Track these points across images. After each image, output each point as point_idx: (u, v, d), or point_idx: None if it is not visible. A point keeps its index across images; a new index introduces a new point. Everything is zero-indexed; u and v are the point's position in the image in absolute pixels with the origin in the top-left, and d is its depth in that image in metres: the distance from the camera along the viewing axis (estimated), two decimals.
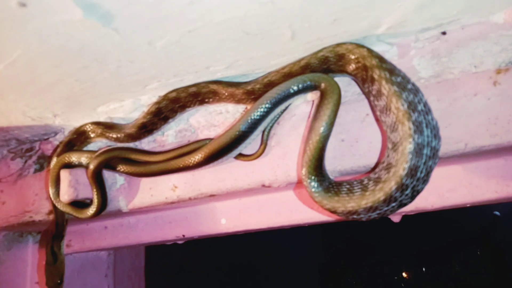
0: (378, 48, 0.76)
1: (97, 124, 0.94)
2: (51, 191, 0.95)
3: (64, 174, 0.93)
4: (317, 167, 0.72)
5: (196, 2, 0.57)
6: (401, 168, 0.62)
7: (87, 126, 0.95)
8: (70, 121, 1.00)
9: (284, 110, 0.81)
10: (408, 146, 0.61)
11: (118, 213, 1.00)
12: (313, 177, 0.71)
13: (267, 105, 0.77)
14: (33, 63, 0.69)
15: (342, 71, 0.75)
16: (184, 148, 0.86)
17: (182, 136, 0.92)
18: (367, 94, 0.72)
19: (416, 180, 0.62)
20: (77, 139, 0.97)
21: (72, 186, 0.93)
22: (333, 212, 0.70)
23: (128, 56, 0.71)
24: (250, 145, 0.81)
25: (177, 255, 2.44)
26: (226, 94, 0.83)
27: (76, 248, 1.21)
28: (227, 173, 0.86)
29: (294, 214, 0.93)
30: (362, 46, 0.72)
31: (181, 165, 0.84)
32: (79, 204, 0.96)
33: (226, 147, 0.79)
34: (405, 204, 0.65)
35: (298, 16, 0.65)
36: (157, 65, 0.76)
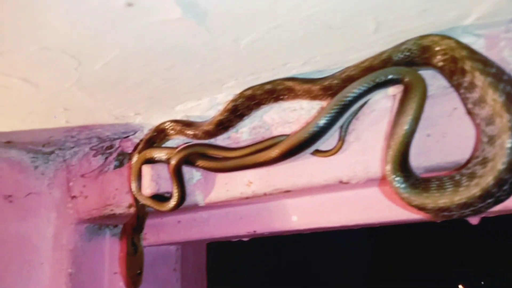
0: (463, 40, 0.73)
1: (176, 122, 0.99)
2: (133, 185, 1.01)
3: (146, 169, 0.99)
4: (403, 163, 0.70)
5: None
6: (500, 163, 0.58)
7: (167, 124, 0.99)
8: (149, 120, 1.06)
9: (363, 105, 0.80)
10: (508, 140, 0.58)
11: (193, 208, 1.04)
12: (398, 173, 0.69)
13: (347, 100, 0.76)
14: (126, 63, 0.75)
15: (427, 64, 0.73)
16: (260, 144, 0.88)
17: (256, 133, 0.93)
18: (456, 87, 0.69)
19: None
20: (157, 137, 1.02)
21: (154, 180, 0.98)
22: (422, 209, 0.68)
23: (213, 55, 0.74)
24: (327, 141, 0.81)
25: (234, 254, 2.49)
26: (302, 90, 0.84)
27: (150, 241, 1.28)
28: (303, 168, 0.86)
29: (371, 212, 0.91)
30: (449, 37, 0.70)
31: (258, 161, 0.86)
32: (159, 197, 1.01)
33: (304, 143, 0.80)
34: (502, 201, 0.61)
35: (385, 7, 0.64)
36: (237, 63, 0.78)
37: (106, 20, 0.60)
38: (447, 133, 0.73)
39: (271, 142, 0.87)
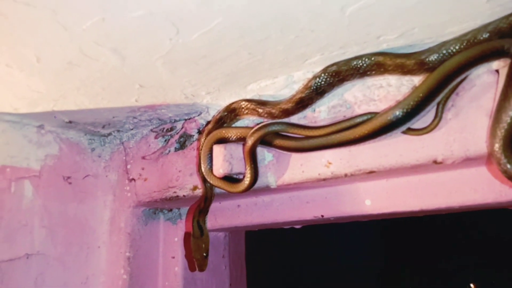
0: None
1: (250, 101, 0.96)
2: (203, 166, 0.99)
3: (219, 149, 0.96)
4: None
5: None
6: None
7: (240, 103, 0.97)
8: (217, 100, 1.04)
9: (464, 79, 0.76)
10: None
11: (264, 190, 1.02)
12: (508, 151, 0.66)
13: (448, 74, 0.73)
14: (223, 33, 0.72)
15: None
16: (345, 122, 0.85)
17: (336, 112, 0.90)
18: None
19: None
20: (227, 116, 1.00)
21: (227, 160, 0.95)
22: None
23: (312, 24, 0.71)
24: (422, 118, 0.78)
25: (270, 242, 2.48)
26: (394, 65, 0.80)
27: (209, 225, 1.25)
28: (391, 148, 0.83)
29: (456, 195, 0.88)
30: None
31: (344, 139, 0.83)
32: (228, 179, 0.98)
33: (398, 120, 0.76)
34: None
35: None
36: (333, 34, 0.75)
37: None
38: None
39: (357, 120, 0.83)
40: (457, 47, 0.74)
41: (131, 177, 1.25)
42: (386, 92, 0.85)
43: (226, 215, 1.23)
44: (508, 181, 0.68)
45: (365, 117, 0.83)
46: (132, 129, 1.25)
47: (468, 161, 0.77)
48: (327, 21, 0.70)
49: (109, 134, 1.28)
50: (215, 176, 0.98)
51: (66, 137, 1.22)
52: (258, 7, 0.64)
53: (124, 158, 1.27)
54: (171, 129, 1.19)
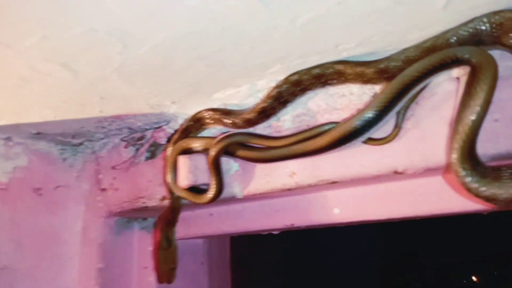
0: None
1: (215, 110, 0.95)
2: (169, 176, 0.98)
3: (183, 160, 0.95)
4: (471, 151, 0.65)
5: None
6: None
7: (205, 113, 0.95)
8: (185, 109, 1.02)
9: (424, 88, 0.75)
10: None
11: (230, 200, 1.00)
12: (466, 162, 0.64)
13: (407, 83, 0.71)
14: (173, 46, 0.70)
15: (496, 42, 0.68)
16: (307, 132, 0.83)
17: (300, 121, 0.89)
18: None
19: None
20: (193, 126, 0.98)
21: (191, 171, 0.94)
22: (492, 200, 0.63)
23: (266, 36, 0.69)
24: (381, 128, 0.76)
25: (257, 248, 2.46)
26: (354, 74, 0.79)
27: (181, 234, 1.24)
28: (353, 158, 0.81)
29: (423, 204, 0.86)
30: None
31: (305, 150, 0.81)
32: (195, 189, 0.97)
33: (358, 130, 0.75)
34: None
35: None
36: (289, 45, 0.74)
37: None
38: None
39: (319, 130, 0.82)
40: (416, 55, 0.73)
41: (102, 187, 1.23)
42: (348, 101, 0.84)
43: (199, 223, 1.21)
44: (466, 192, 0.66)
45: (326, 127, 0.81)
46: (103, 138, 1.23)
47: (429, 171, 0.76)
48: (279, 33, 0.68)
49: (81, 143, 1.26)
50: (180, 187, 0.96)
51: (36, 148, 1.20)
52: (203, 23, 0.63)
53: (96, 167, 1.26)
54: (142, 138, 1.17)
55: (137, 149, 1.17)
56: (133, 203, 1.14)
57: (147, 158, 1.15)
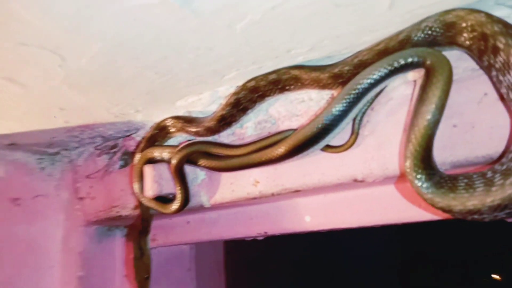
0: (496, 14, 0.62)
1: (177, 118, 0.92)
2: (136, 186, 0.96)
3: (148, 170, 0.93)
4: (425, 159, 0.61)
5: None
6: None
7: (168, 121, 0.93)
8: (151, 117, 1.00)
9: (379, 93, 0.71)
10: None
11: (198, 209, 0.98)
12: (420, 171, 0.60)
13: (359, 88, 0.67)
14: (113, 56, 0.68)
15: (452, 43, 0.63)
16: (265, 140, 0.80)
17: (262, 128, 0.86)
18: (487, 69, 0.59)
19: None
20: (158, 134, 0.96)
21: (156, 181, 0.92)
22: (448, 211, 0.59)
23: (206, 43, 0.66)
24: (339, 135, 0.73)
25: (255, 250, 2.43)
26: (310, 79, 0.75)
27: (160, 242, 1.23)
28: (313, 167, 0.78)
29: (391, 212, 0.82)
30: (478, 11, 0.59)
31: (263, 159, 0.78)
32: (163, 199, 0.95)
33: (312, 138, 0.72)
34: None
35: None
36: (236, 51, 0.71)
37: (80, 7, 0.54)
38: (476, 122, 0.63)
39: (278, 137, 0.79)
40: (369, 58, 0.69)
41: (80, 196, 1.22)
42: (307, 106, 0.80)
43: (176, 231, 1.20)
44: (422, 200, 0.62)
45: (283, 135, 0.78)
46: (78, 147, 1.23)
47: (389, 179, 0.72)
48: (221, 39, 0.65)
49: (57, 153, 1.26)
50: (147, 197, 0.94)
51: (12, 158, 1.21)
52: (133, 31, 0.60)
53: (74, 176, 1.25)
54: (115, 146, 1.16)
55: (110, 158, 1.16)
56: (107, 212, 1.14)
57: (121, 166, 1.14)
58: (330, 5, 0.58)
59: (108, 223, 1.23)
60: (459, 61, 0.66)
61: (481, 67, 0.62)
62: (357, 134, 0.72)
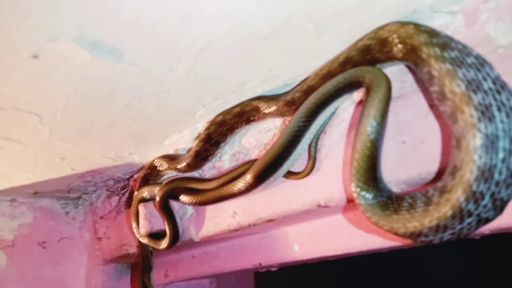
0: (437, 22, 0.61)
1: (163, 157, 0.98)
2: (133, 225, 1.02)
3: (141, 208, 0.99)
4: (370, 180, 0.59)
5: (189, 18, 0.54)
6: (467, 171, 0.45)
7: (156, 161, 0.99)
8: (146, 157, 1.07)
9: (331, 116, 0.70)
10: (473, 141, 0.45)
11: (190, 244, 1.00)
12: (364, 193, 0.58)
13: (305, 116, 0.68)
14: (82, 108, 0.76)
15: (390, 58, 0.62)
16: (233, 172, 0.82)
17: (237, 160, 0.88)
18: (423, 81, 0.57)
19: (494, 185, 0.45)
20: (151, 173, 1.02)
21: (147, 219, 0.97)
22: (395, 234, 0.56)
23: (159, 87, 0.72)
24: (299, 161, 0.73)
25: (288, 277, 2.37)
26: (268, 109, 0.77)
27: (172, 277, 1.27)
28: (281, 194, 0.78)
29: (365, 238, 0.79)
30: (408, 23, 0.58)
31: (232, 191, 0.80)
32: (157, 235, 0.99)
33: (269, 167, 0.72)
34: (489, 219, 0.48)
35: (312, 5, 0.56)
36: (192, 90, 0.75)
37: (25, 73, 0.62)
38: (425, 137, 0.60)
39: (243, 168, 0.80)
40: (315, 83, 0.69)
41: (98, 236, 1.31)
42: (273, 135, 0.81)
43: (184, 266, 1.23)
44: (375, 227, 0.59)
45: (247, 166, 0.79)
46: (95, 191, 1.33)
47: (352, 203, 0.70)
48: (171, 81, 0.70)
49: (79, 197, 1.37)
50: (142, 234, 0.99)
51: (39, 205, 1.34)
52: (88, 86, 0.67)
53: (94, 218, 1.35)
54: (125, 186, 1.25)
55: (120, 198, 1.24)
56: (119, 250, 1.20)
57: (128, 206, 1.22)
58: (256, 41, 0.61)
59: (121, 261, 1.29)
60: (406, 75, 0.64)
61: (421, 79, 0.60)
62: (315, 158, 0.72)
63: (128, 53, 0.60)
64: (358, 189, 0.59)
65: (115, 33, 0.55)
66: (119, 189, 1.26)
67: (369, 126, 0.59)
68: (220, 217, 0.90)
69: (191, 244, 1.03)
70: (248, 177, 0.75)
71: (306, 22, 0.59)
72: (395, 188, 0.62)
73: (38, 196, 1.31)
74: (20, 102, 0.69)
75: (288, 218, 0.81)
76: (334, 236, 0.86)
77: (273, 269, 1.22)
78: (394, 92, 0.64)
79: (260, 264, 1.01)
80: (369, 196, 0.58)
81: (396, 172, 0.62)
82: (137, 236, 1.01)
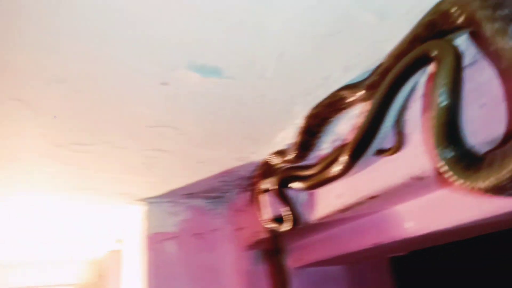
0: None
1: (274, 153, 1.13)
2: (259, 213, 1.20)
3: (263, 199, 1.16)
4: (449, 144, 0.61)
5: (263, 33, 0.68)
6: None
7: (268, 157, 1.15)
8: (264, 155, 1.24)
9: (411, 91, 0.74)
10: None
11: (309, 227, 1.12)
12: (445, 153, 0.61)
13: (383, 95, 0.74)
14: (203, 119, 0.97)
15: (454, 28, 0.63)
16: (331, 156, 0.91)
17: (336, 146, 0.97)
18: (485, 44, 0.58)
19: None
20: (267, 168, 1.19)
21: (269, 206, 1.14)
22: (478, 191, 0.58)
23: (256, 92, 0.87)
24: (388, 138, 0.78)
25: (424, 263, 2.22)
26: (353, 96, 0.84)
27: (301, 262, 1.40)
28: (377, 172, 0.83)
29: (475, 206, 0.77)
30: None
31: (333, 173, 0.89)
32: (281, 220, 1.14)
33: (360, 145, 0.80)
34: None
35: None
36: (283, 91, 0.88)
37: (159, 96, 0.84)
38: (505, 97, 0.59)
39: (339, 151, 0.89)
40: (390, 64, 0.74)
41: (238, 227, 1.55)
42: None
43: (309, 250, 1.35)
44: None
45: (340, 150, 0.88)
46: (231, 189, 1.58)
47: None
48: (264, 87, 0.85)
49: (220, 196, 1.65)
50: (267, 219, 1.16)
51: (193, 204, 1.66)
52: (207, 101, 0.87)
53: (234, 212, 1.60)
54: (251, 183, 1.45)
55: (249, 193, 1.45)
56: (254, 238, 1.41)
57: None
58: (323, 39, 0.71)
59: (258, 247, 1.49)
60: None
61: (483, 43, 0.60)
62: (401, 134, 0.76)
63: (226, 70, 0.77)
64: (439, 152, 0.62)
65: (214, 56, 0.73)
66: (248, 185, 1.47)
67: (440, 93, 0.62)
68: (327, 200, 1.00)
69: (310, 228, 1.15)
70: (344, 158, 0.84)
71: (364, 12, 0.66)
72: (480, 150, 0.62)
73: (191, 197, 1.62)
74: (160, 119, 0.94)
75: (391, 194, 0.86)
76: (446, 208, 0.86)
77: (403, 253, 1.24)
78: (469, 59, 0.65)
79: (374, 244, 1.06)
80: (450, 157, 0.61)
81: (480, 134, 0.62)
82: (264, 223, 1.19)
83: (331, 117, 0.94)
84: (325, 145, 1.00)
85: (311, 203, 1.07)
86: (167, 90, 0.81)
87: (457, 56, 0.62)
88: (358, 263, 1.64)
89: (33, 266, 2.36)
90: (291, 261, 1.47)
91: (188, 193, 1.57)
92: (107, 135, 1.00)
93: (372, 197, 0.87)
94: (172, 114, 0.92)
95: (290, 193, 1.11)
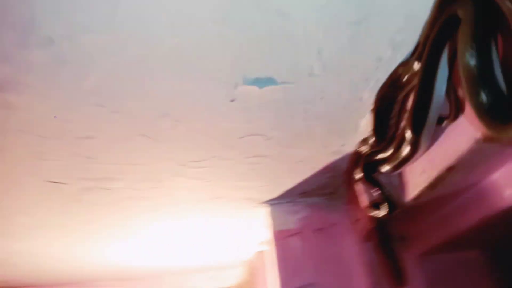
0: None
1: (361, 141, 1.18)
2: (358, 202, 1.25)
3: (358, 187, 1.21)
4: (480, 99, 0.60)
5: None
6: None
7: (358, 146, 1.20)
8: (353, 146, 1.28)
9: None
10: None
11: (424, 208, 1.11)
12: (480, 103, 0.60)
13: (428, 61, 0.75)
14: (280, 122, 1.10)
15: None
16: (399, 135, 0.92)
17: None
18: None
19: None
20: (355, 157, 1.23)
21: (364, 194, 1.18)
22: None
23: (315, 89, 0.96)
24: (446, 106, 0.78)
25: None
26: (408, 72, 0.86)
27: (423, 248, 1.36)
28: (445, 142, 0.82)
29: None
30: None
31: (404, 154, 0.90)
32: (378, 205, 1.17)
33: (416, 118, 0.81)
34: None
35: None
36: (341, 82, 0.95)
37: (229, 110, 1.01)
38: None
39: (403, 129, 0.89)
40: (427, 32, 0.75)
41: (354, 219, 1.59)
42: None
43: (424, 235, 1.30)
44: None
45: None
46: (340, 184, 1.63)
47: None
48: (320, 83, 0.94)
49: (335, 191, 1.71)
50: (365, 205, 1.20)
51: (310, 202, 1.77)
52: (271, 106, 1.01)
53: (346, 206, 1.65)
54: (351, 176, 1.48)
55: (354, 186, 1.48)
56: (364, 227, 1.43)
57: None
58: (354, 27, 0.77)
59: (371, 237, 1.50)
60: None
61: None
62: (456, 99, 0.74)
63: (277, 77, 0.89)
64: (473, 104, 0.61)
65: (262, 68, 0.86)
66: (351, 179, 1.51)
67: (464, 52, 0.61)
68: (414, 179, 0.99)
69: (417, 211, 1.13)
70: (408, 133, 0.85)
71: None
72: None
73: (306, 195, 1.74)
74: (245, 129, 1.11)
75: (467, 162, 0.82)
76: None
77: None
78: None
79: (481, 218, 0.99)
80: (485, 107, 0.59)
81: None
82: (364, 210, 1.22)
83: (398, 96, 0.95)
84: (401, 125, 1.01)
85: (402, 184, 1.07)
86: (237, 105, 0.97)
87: (479, 14, 0.60)
88: (494, 248, 1.46)
89: (195, 271, 2.81)
90: (413, 248, 1.44)
91: (303, 192, 1.69)
92: (212, 151, 1.23)
93: (450, 168, 0.85)
94: (252, 124, 1.08)
95: (381, 178, 1.13)
